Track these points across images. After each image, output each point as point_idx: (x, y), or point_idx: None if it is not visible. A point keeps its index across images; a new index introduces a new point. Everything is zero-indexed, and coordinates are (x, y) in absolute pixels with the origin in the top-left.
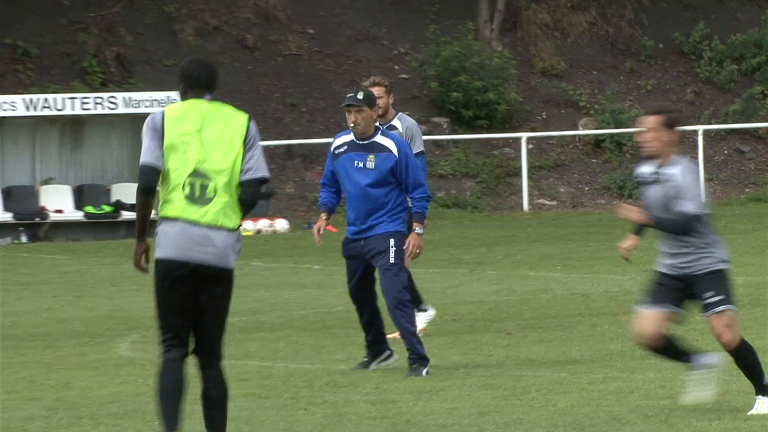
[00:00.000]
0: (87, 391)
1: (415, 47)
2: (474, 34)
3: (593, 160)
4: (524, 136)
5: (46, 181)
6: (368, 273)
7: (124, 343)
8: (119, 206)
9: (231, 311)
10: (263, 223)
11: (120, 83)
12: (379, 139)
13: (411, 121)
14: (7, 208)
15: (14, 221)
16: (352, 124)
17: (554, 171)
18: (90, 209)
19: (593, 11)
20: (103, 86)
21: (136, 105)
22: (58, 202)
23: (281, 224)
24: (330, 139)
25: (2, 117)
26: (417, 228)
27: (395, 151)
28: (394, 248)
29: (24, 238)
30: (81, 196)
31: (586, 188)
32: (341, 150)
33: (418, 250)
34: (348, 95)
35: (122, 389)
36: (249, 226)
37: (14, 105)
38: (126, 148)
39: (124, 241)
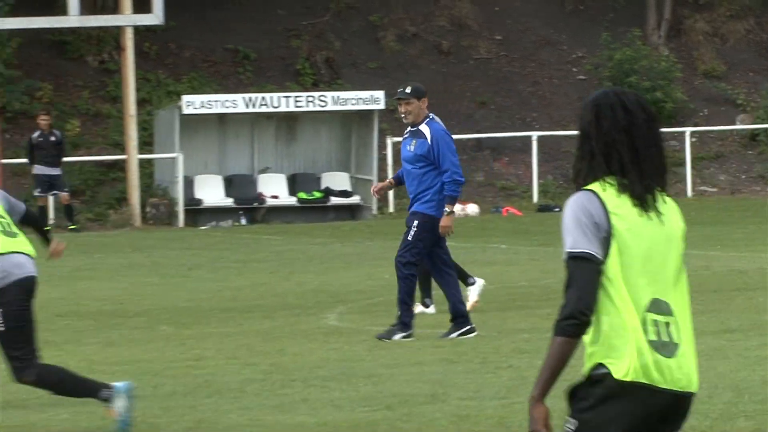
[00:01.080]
0: (299, 357)
1: (591, 51)
2: (642, 40)
3: (749, 152)
4: (688, 130)
5: (264, 170)
6: None
7: (332, 314)
8: (328, 193)
9: None
10: (456, 208)
11: (329, 83)
12: (423, 127)
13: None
14: (228, 194)
15: (235, 206)
16: (402, 115)
17: (715, 161)
18: (302, 195)
19: (750, 20)
20: (314, 86)
21: (344, 103)
22: (274, 188)
23: (472, 208)
24: (515, 134)
25: (225, 114)
26: (446, 208)
27: (429, 139)
28: (415, 228)
29: (243, 221)
30: (294, 184)
31: (743, 177)
32: (405, 135)
33: (448, 230)
34: (399, 90)
35: (330, 355)
36: None
37: (235, 103)
38: (334, 141)
39: (332, 223)
